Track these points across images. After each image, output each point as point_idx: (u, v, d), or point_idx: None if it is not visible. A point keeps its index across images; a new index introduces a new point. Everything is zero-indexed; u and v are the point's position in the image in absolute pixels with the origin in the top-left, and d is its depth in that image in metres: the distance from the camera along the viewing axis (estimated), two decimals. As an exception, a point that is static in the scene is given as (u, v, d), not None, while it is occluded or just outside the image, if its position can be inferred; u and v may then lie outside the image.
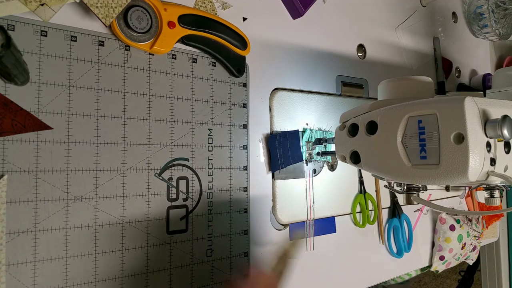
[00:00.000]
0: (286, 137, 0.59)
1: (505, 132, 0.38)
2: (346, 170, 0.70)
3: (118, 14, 0.43)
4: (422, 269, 0.86)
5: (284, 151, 0.59)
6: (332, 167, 0.68)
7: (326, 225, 0.66)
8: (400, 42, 0.84)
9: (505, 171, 0.43)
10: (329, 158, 0.66)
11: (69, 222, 0.42)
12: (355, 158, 0.50)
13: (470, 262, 0.94)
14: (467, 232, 0.87)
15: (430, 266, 0.86)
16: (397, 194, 0.78)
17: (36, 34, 0.40)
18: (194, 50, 0.52)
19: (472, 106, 0.39)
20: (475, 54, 1.09)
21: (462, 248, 0.86)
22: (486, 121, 0.39)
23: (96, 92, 0.44)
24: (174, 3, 0.49)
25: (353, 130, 0.50)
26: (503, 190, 0.46)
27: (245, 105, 0.57)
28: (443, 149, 0.39)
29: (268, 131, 0.60)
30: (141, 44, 0.46)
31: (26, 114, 0.39)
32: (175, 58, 0.50)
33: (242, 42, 0.55)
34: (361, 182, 0.72)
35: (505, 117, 0.38)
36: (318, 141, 0.62)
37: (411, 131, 0.42)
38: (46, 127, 0.40)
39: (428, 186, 0.49)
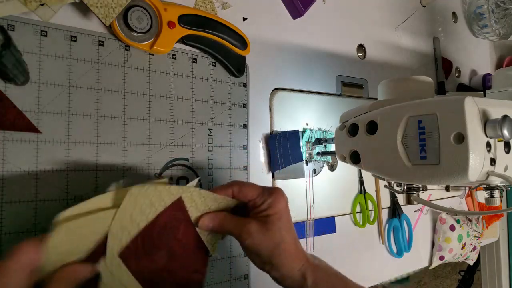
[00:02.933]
0: (286, 137, 0.59)
1: (505, 132, 0.38)
2: (346, 170, 0.70)
3: (118, 14, 0.43)
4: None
5: (284, 151, 0.59)
6: (332, 167, 0.68)
7: (326, 225, 0.66)
8: (400, 42, 0.84)
9: (505, 171, 0.43)
10: (329, 158, 0.66)
11: (69, 222, 0.42)
12: (355, 158, 0.50)
13: (470, 262, 0.94)
14: (467, 232, 0.87)
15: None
16: (397, 194, 0.78)
17: (36, 34, 0.40)
18: (194, 50, 0.52)
19: (472, 106, 0.39)
20: (475, 54, 1.09)
21: (462, 248, 0.86)
22: (486, 121, 0.39)
23: (96, 92, 0.44)
24: (174, 3, 0.49)
25: (353, 130, 0.50)
26: (503, 190, 0.46)
27: (245, 105, 0.57)
28: (443, 149, 0.39)
29: (268, 131, 0.60)
30: (141, 44, 0.46)
31: (18, 113, 0.38)
32: (175, 58, 0.50)
33: (242, 42, 0.55)
34: (361, 182, 0.72)
35: (505, 117, 0.38)
36: (318, 141, 0.62)
37: (411, 131, 0.42)
38: (34, 129, 0.39)
39: (428, 186, 0.49)
